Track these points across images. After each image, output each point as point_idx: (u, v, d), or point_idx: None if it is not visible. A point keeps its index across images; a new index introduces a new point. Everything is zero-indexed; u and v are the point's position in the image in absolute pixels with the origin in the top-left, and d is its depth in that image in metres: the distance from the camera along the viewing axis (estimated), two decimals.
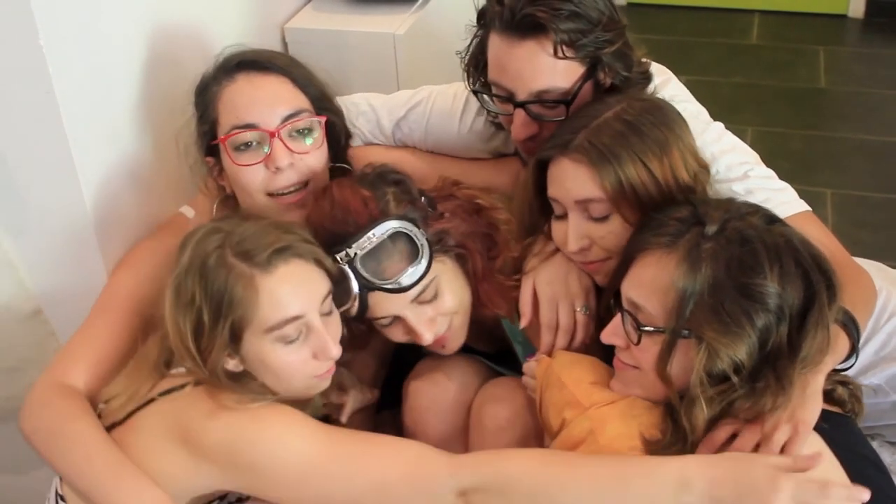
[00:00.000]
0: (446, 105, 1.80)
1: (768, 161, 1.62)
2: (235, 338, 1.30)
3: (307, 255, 1.35)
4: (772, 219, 1.29)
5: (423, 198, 1.50)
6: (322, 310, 1.34)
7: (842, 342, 1.32)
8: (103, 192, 1.57)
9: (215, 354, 1.30)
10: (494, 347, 1.74)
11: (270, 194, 1.53)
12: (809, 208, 1.58)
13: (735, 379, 1.20)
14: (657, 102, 1.46)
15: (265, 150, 1.50)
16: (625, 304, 1.29)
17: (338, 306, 1.40)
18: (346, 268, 1.40)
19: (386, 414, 1.75)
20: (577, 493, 1.21)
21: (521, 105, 1.52)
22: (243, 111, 1.51)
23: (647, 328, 1.26)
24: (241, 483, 1.31)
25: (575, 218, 1.41)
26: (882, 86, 3.86)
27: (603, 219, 1.39)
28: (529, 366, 1.48)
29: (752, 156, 1.61)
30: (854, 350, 1.34)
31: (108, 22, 1.56)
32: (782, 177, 1.60)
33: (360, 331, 1.53)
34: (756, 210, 1.29)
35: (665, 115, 1.43)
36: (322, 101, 1.59)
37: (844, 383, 1.36)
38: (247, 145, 1.51)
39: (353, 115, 1.80)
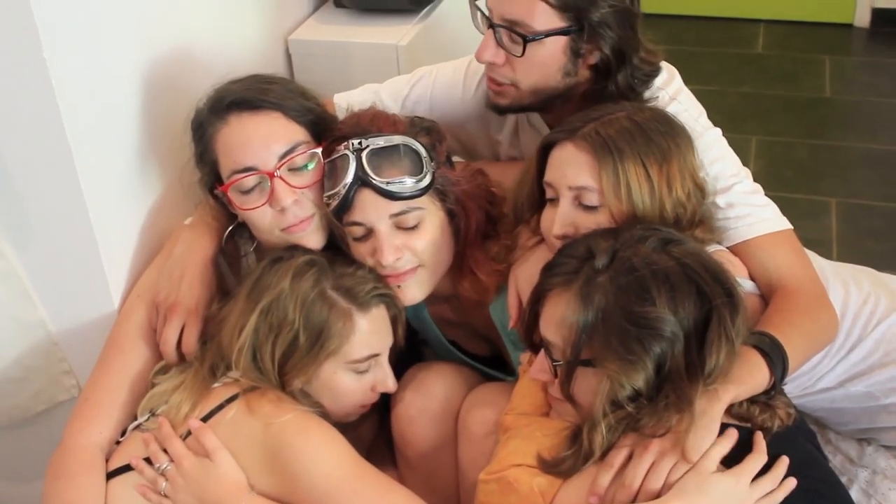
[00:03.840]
0: (447, 76, 1.82)
1: (773, 170, 1.64)
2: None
3: (391, 306, 1.51)
4: (667, 240, 1.30)
5: (446, 153, 1.57)
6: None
7: (759, 371, 1.31)
8: (106, 204, 1.58)
9: (301, 376, 1.44)
10: (486, 350, 1.75)
11: (283, 230, 1.52)
12: (790, 227, 1.59)
13: (630, 408, 1.24)
14: (667, 115, 1.49)
15: (267, 187, 1.49)
16: (544, 342, 1.34)
17: (325, 192, 1.48)
18: (351, 154, 1.45)
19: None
20: None
21: (492, 27, 1.55)
22: (239, 155, 1.49)
23: (558, 362, 1.31)
24: (281, 488, 1.38)
25: (566, 204, 1.43)
26: (887, 95, 3.85)
27: (592, 209, 1.41)
28: (524, 356, 1.52)
29: (742, 169, 1.62)
30: (774, 383, 1.33)
31: (112, 34, 1.57)
32: (787, 186, 1.62)
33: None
34: (650, 234, 1.31)
35: (673, 129, 1.45)
36: (321, 126, 1.56)
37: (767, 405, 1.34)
38: (249, 189, 1.50)
39: (355, 106, 1.79)
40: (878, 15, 4.40)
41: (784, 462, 1.25)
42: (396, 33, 2.19)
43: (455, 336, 1.76)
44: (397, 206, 1.46)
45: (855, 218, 3.10)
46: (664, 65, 1.66)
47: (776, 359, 1.33)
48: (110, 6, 1.55)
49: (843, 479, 1.60)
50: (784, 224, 1.58)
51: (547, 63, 1.54)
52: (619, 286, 1.24)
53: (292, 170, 1.50)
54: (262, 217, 1.51)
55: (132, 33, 1.63)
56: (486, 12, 1.58)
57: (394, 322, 1.52)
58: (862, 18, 4.42)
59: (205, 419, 1.43)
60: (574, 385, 1.29)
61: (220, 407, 1.43)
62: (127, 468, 1.45)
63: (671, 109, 1.56)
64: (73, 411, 1.52)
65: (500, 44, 1.55)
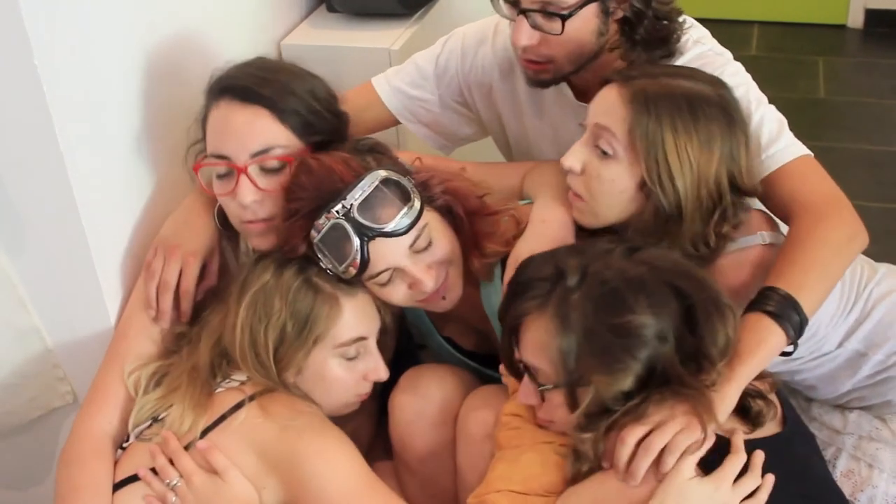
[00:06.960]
0: (477, 29, 1.86)
1: None
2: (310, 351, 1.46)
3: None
4: (633, 248, 1.30)
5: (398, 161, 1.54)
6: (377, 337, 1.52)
7: (771, 335, 1.33)
8: (99, 210, 1.58)
9: (292, 366, 1.46)
10: (481, 345, 1.75)
11: (242, 223, 1.54)
12: (810, 153, 1.60)
13: (618, 408, 1.24)
14: (731, 103, 1.46)
15: (234, 180, 1.50)
16: (527, 367, 1.33)
17: (337, 265, 1.44)
18: (342, 220, 1.42)
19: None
20: None
21: (523, 11, 1.55)
22: (218, 142, 1.52)
23: (545, 386, 1.30)
24: (287, 492, 1.40)
25: (585, 138, 1.47)
26: (881, 95, 3.87)
27: (605, 155, 1.44)
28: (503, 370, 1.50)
29: (763, 97, 1.61)
30: (793, 338, 1.35)
31: (103, 41, 1.57)
32: None
33: None
34: (614, 245, 1.31)
35: (730, 118, 1.43)
36: (313, 128, 1.55)
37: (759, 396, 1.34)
38: (222, 174, 1.52)
39: (394, 81, 1.84)
40: (872, 15, 4.41)
41: (760, 456, 1.25)
42: (389, 37, 2.19)
43: (450, 332, 1.76)
44: (410, 236, 1.44)
45: None
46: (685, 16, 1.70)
47: (788, 313, 1.33)
48: (101, 13, 1.55)
49: (832, 450, 1.65)
50: (804, 149, 1.59)
51: (582, 31, 1.55)
52: (595, 302, 1.24)
53: (263, 170, 1.49)
54: (227, 204, 1.54)
55: (123, 40, 1.63)
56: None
57: (379, 308, 1.53)
58: (855, 19, 4.44)
59: (211, 427, 1.43)
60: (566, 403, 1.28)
61: (226, 415, 1.43)
62: (133, 479, 1.44)
63: (695, 52, 1.61)
64: (84, 399, 1.55)
65: (534, 26, 1.56)
